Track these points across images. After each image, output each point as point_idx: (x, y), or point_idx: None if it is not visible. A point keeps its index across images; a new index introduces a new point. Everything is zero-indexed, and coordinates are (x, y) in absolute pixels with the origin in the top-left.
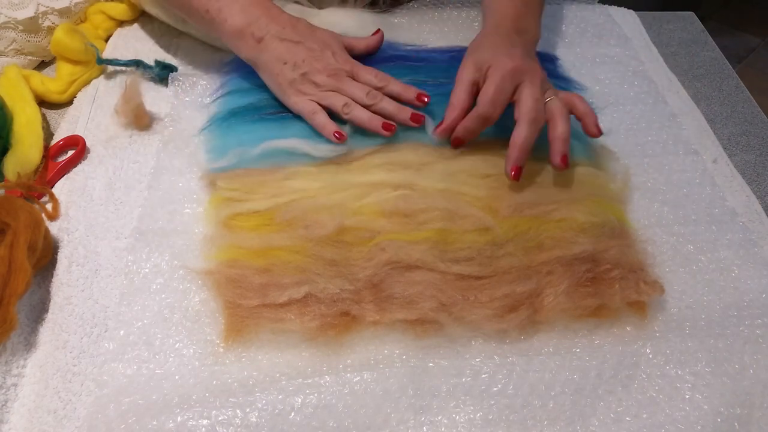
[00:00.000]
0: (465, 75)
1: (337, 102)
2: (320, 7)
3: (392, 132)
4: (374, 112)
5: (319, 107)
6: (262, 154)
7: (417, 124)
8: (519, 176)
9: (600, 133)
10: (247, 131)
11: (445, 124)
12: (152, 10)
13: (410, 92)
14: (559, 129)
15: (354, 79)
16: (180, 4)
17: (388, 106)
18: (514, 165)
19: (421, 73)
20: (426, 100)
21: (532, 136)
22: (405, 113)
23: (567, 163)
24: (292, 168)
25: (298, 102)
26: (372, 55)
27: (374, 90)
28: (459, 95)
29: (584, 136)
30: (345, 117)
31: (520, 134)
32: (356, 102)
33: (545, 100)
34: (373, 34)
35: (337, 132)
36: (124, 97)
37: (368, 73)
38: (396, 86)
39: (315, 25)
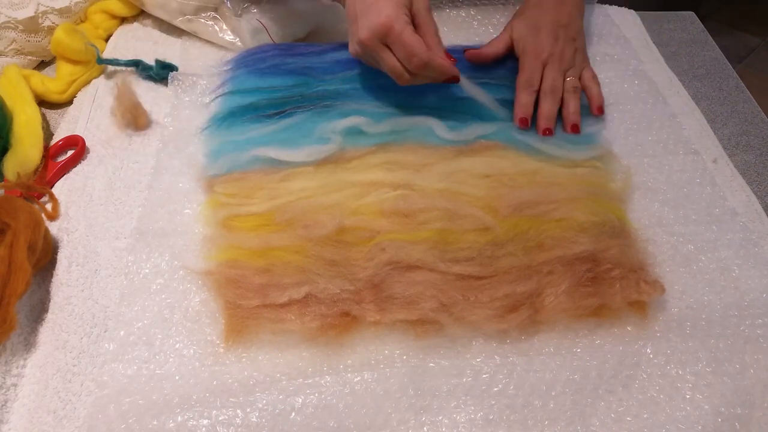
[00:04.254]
0: (501, 41)
1: None
2: None
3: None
4: None
5: None
6: (253, 160)
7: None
8: (549, 133)
9: (600, 113)
10: (244, 133)
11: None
12: (153, 10)
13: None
14: (569, 106)
15: None
16: None
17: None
18: (543, 128)
19: None
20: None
21: (553, 106)
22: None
23: (578, 130)
24: (289, 169)
25: None
26: None
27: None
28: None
29: (587, 136)
30: None
31: (542, 105)
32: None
33: (565, 78)
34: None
35: None
36: (118, 98)
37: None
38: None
39: None
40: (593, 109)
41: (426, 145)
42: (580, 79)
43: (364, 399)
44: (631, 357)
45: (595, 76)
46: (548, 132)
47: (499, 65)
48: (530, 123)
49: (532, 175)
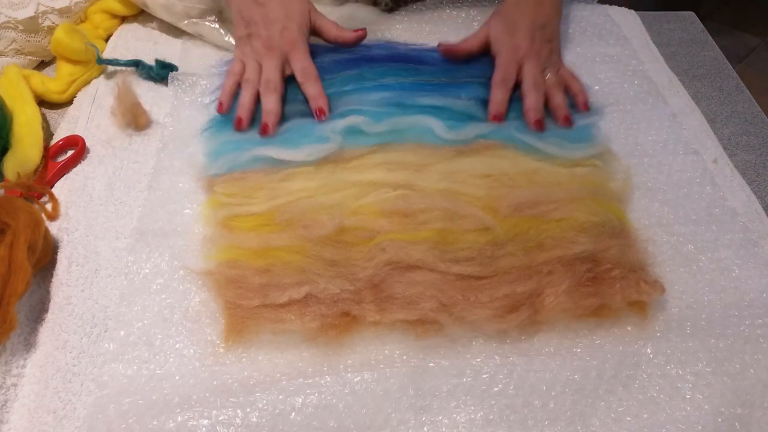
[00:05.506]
0: (477, 38)
1: (249, 74)
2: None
3: (243, 127)
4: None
5: (242, 70)
6: (253, 159)
7: (262, 134)
8: (541, 125)
9: (587, 109)
10: (244, 133)
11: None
12: (157, 12)
13: (316, 102)
14: (556, 99)
15: (287, 61)
16: None
17: (268, 104)
18: (534, 120)
19: (423, 74)
20: (323, 118)
21: (539, 99)
22: (269, 118)
23: (570, 122)
24: (289, 169)
25: (236, 56)
26: (353, 51)
27: (277, 82)
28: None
29: (587, 134)
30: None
31: (528, 99)
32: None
33: (544, 77)
34: (357, 30)
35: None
36: (118, 98)
37: (297, 62)
38: (310, 89)
39: None
40: (579, 106)
41: (426, 144)
42: (558, 76)
43: (364, 399)
44: (631, 357)
45: (573, 74)
46: (539, 124)
47: (480, 64)
48: (504, 119)
49: (532, 174)
